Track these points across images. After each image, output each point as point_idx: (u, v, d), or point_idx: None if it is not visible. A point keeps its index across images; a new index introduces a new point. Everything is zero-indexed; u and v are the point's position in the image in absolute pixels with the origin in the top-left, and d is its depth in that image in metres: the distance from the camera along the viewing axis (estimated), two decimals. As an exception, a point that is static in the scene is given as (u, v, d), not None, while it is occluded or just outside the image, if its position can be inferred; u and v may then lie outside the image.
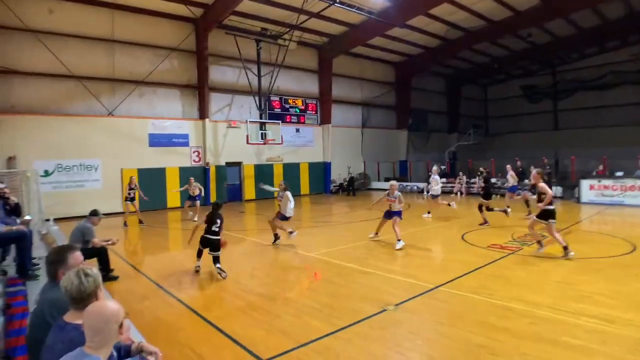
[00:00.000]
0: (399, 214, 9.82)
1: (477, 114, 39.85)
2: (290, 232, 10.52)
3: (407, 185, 25.89)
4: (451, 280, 6.81)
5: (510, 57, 30.91)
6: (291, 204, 10.30)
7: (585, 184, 17.95)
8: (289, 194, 10.43)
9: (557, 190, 19.52)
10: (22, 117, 16.16)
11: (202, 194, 16.07)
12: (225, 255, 9.86)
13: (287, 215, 10.32)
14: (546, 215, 8.42)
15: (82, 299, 2.39)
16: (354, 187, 25.42)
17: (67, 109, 17.39)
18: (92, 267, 2.52)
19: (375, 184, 28.20)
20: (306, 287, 6.85)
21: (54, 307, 2.73)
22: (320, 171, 25.64)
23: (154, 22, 19.40)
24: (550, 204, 8.42)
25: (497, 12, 22.59)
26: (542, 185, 8.45)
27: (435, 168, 15.88)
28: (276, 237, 10.60)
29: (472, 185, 22.19)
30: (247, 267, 8.69)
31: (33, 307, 4.75)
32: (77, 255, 2.95)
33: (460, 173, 22.92)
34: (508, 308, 5.50)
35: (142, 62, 19.13)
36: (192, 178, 16.21)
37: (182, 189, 16.40)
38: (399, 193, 9.95)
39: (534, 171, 8.96)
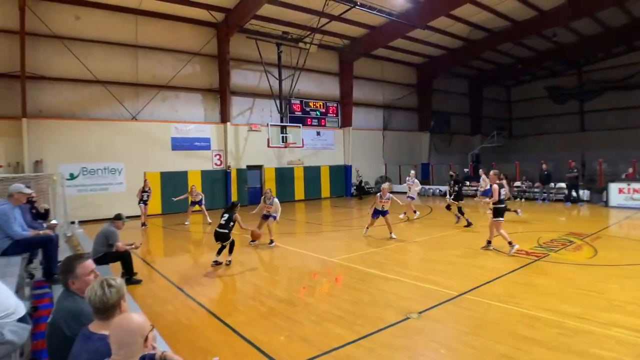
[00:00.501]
0: (388, 212, 11.49)
1: (501, 116, 39.16)
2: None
3: (429, 189, 25.56)
4: (476, 288, 6.64)
5: (535, 58, 30.22)
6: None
7: (613, 187, 17.37)
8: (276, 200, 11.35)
9: (585, 193, 19.01)
10: (49, 121, 16.56)
11: (203, 200, 16.44)
12: (246, 258, 9.92)
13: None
14: (496, 213, 9.07)
15: (105, 309, 2.42)
16: (363, 192, 25.17)
17: (92, 114, 17.74)
18: (117, 277, 2.52)
19: (397, 187, 27.79)
20: (327, 292, 6.76)
21: (69, 316, 2.76)
22: (341, 174, 25.56)
23: (177, 27, 19.67)
24: (500, 202, 9.00)
25: (521, 12, 22.15)
26: (494, 187, 8.98)
27: (413, 172, 17.22)
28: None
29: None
30: (268, 270, 8.70)
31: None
32: (86, 264, 2.96)
33: (484, 176, 22.46)
34: (535, 317, 5.32)
35: (165, 67, 19.41)
36: (193, 186, 16.65)
37: (182, 197, 16.44)
38: (391, 195, 11.63)
39: (491, 172, 9.66)
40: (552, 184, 20.04)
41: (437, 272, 7.73)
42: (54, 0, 16.57)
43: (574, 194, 18.64)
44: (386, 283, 7.24)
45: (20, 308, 3.05)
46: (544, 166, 19.83)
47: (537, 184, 20.67)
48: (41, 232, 6.15)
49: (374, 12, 18.70)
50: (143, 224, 15.38)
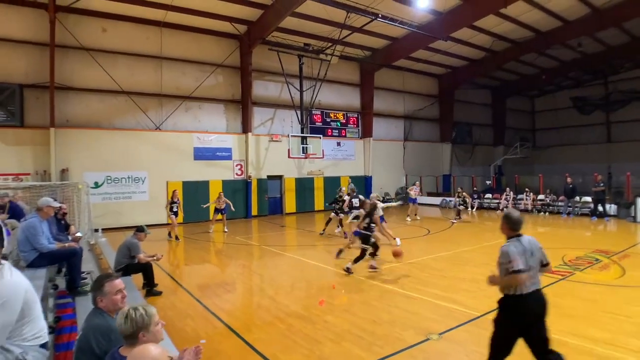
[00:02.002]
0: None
1: (524, 127, 38.55)
2: None
3: (450, 201, 25.21)
4: (497, 308, 6.48)
5: (559, 68, 29.73)
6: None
7: (642, 201, 16.87)
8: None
9: (612, 208, 18.47)
10: (75, 130, 16.99)
11: (231, 207, 16.66)
12: (265, 270, 9.94)
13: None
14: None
15: (130, 336, 2.49)
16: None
17: (117, 123, 18.14)
18: (147, 306, 2.56)
19: (418, 199, 27.57)
20: (346, 309, 6.68)
21: (98, 333, 2.84)
22: (361, 185, 25.43)
23: (200, 39, 20.03)
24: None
25: (546, 23, 21.89)
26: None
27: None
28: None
29: (520, 202, 21.37)
30: (286, 284, 8.68)
31: (79, 329, 4.90)
32: (115, 283, 3.03)
33: (507, 189, 22.11)
34: (561, 342, 5.14)
35: (188, 78, 19.75)
36: (221, 193, 16.78)
37: (211, 204, 16.84)
38: (382, 204, 12.26)
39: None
40: (577, 198, 19.51)
41: (458, 291, 7.57)
42: (82, 13, 17.04)
43: (600, 208, 18.14)
44: (406, 301, 7.14)
45: (45, 332, 3.10)
46: (568, 179, 19.32)
47: (561, 198, 20.17)
48: (66, 244, 6.28)
49: (396, 24, 18.69)
50: (175, 237, 14.57)
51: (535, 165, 34.95)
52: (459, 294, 7.38)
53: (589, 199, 19.21)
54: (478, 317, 6.09)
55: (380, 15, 17.97)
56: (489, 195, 24.03)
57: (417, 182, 21.26)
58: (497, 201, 22.21)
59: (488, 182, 25.81)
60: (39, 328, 2.97)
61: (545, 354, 3.92)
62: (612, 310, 6.36)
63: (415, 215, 19.15)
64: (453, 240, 13.31)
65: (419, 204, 20.60)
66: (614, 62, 29.18)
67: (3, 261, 2.80)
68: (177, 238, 14.60)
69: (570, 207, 19.34)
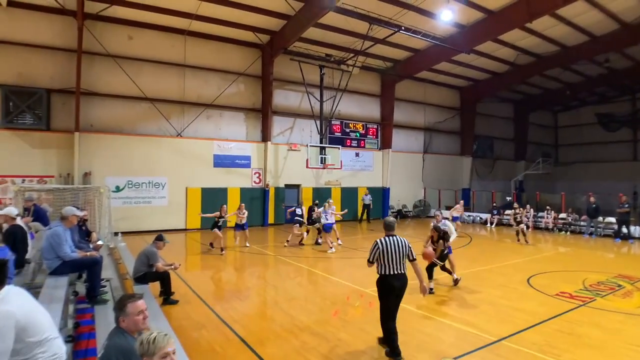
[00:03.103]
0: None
1: (547, 142, 37.99)
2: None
3: (469, 216, 24.93)
4: (515, 334, 6.34)
5: (585, 83, 29.23)
6: None
7: (670, 224, 16.38)
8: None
9: (637, 230, 17.97)
10: (99, 135, 17.35)
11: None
12: (280, 282, 9.95)
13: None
14: None
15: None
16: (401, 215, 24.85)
17: (140, 129, 18.47)
18: (162, 334, 2.59)
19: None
20: (360, 327, 6.62)
21: (120, 353, 2.88)
22: (379, 196, 25.34)
23: (223, 48, 20.32)
24: None
25: (572, 38, 21.54)
26: None
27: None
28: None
29: (540, 220, 21.00)
30: (301, 297, 8.67)
31: (97, 337, 4.99)
32: (137, 304, 3.06)
33: (528, 206, 21.74)
34: (579, 373, 5.04)
35: (210, 86, 20.03)
36: (242, 205, 15.34)
37: (211, 215, 14.59)
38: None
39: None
40: (600, 218, 19.03)
41: (474, 314, 7.42)
42: (109, 21, 17.46)
43: (624, 230, 17.63)
44: (420, 322, 7.06)
45: (63, 352, 3.17)
46: (591, 199, 18.87)
47: (583, 217, 19.69)
48: (88, 253, 6.40)
49: (418, 36, 18.67)
50: (221, 249, 13.79)
51: (558, 182, 34.30)
52: (474, 316, 7.26)
53: (612, 219, 18.72)
54: (493, 343, 5.98)
55: (403, 28, 17.97)
56: (509, 212, 23.64)
57: (462, 201, 20.89)
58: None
59: (508, 198, 25.38)
60: (54, 350, 3.03)
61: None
62: (634, 342, 6.14)
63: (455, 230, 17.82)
64: (470, 257, 13.10)
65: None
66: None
67: (6, 287, 2.95)
68: (222, 250, 13.73)
69: (592, 227, 18.88)
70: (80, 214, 6.53)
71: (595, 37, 21.36)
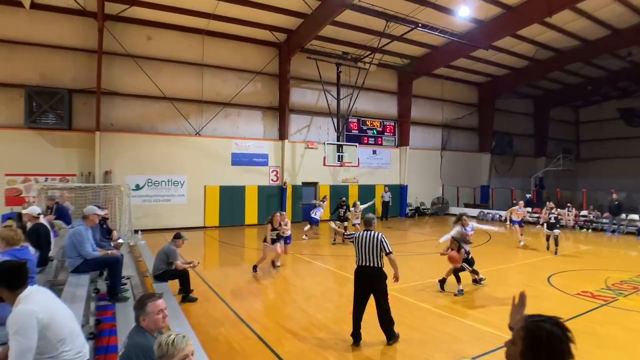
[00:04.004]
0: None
1: (567, 138, 37.16)
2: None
3: (488, 213, 24.63)
4: (536, 333, 6.26)
5: (607, 78, 28.55)
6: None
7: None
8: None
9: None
10: (119, 134, 17.63)
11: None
12: (297, 280, 10.00)
13: None
14: None
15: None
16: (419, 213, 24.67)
17: (159, 128, 18.71)
18: (181, 336, 2.61)
19: (454, 210, 27.10)
20: (377, 327, 6.61)
21: (140, 350, 2.96)
22: (396, 194, 25.21)
23: (241, 47, 20.42)
24: None
25: (593, 31, 21.07)
26: None
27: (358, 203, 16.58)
28: None
29: (561, 217, 20.62)
30: (318, 295, 8.70)
31: (118, 335, 5.09)
32: (157, 303, 3.12)
33: (548, 203, 21.35)
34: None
35: (228, 85, 20.16)
36: (283, 213, 12.49)
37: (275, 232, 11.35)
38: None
39: None
40: (623, 215, 18.64)
41: (494, 312, 7.36)
42: (129, 22, 17.68)
43: (648, 227, 17.30)
44: (439, 320, 7.02)
45: (86, 350, 3.25)
46: (614, 195, 18.48)
47: (606, 214, 19.32)
48: (109, 252, 6.53)
49: (436, 33, 18.48)
50: (273, 265, 11.30)
51: (579, 178, 33.61)
52: (493, 315, 7.18)
53: (636, 216, 18.36)
54: (514, 342, 5.90)
55: (420, 24, 17.81)
56: (528, 209, 23.29)
57: (521, 202, 16.46)
58: (537, 215, 21.43)
59: (528, 195, 25.00)
60: (78, 348, 3.11)
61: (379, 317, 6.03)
62: (658, 342, 6.04)
63: (520, 242, 14.89)
64: (491, 256, 12.89)
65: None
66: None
67: (29, 288, 3.04)
68: (274, 266, 11.26)
69: (615, 224, 18.51)
70: (102, 212, 6.66)
71: (617, 31, 20.85)
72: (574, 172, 33.62)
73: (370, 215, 6.52)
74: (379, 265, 5.96)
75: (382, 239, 5.99)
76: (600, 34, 21.29)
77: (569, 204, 20.93)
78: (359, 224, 15.14)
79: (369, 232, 6.11)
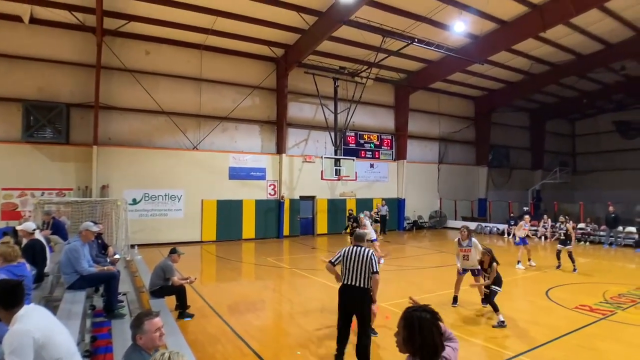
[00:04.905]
0: None
1: (564, 151, 37.45)
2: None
3: (485, 226, 24.64)
4: (533, 349, 6.23)
5: (602, 91, 28.87)
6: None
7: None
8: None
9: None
10: (117, 149, 17.64)
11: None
12: (295, 296, 9.92)
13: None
14: None
15: None
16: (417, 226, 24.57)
17: (157, 142, 18.72)
18: (176, 354, 2.55)
19: (451, 223, 27.13)
20: (377, 344, 6.57)
21: None
22: (394, 207, 25.20)
23: (239, 62, 20.56)
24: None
25: (587, 46, 21.37)
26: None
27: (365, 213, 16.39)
28: None
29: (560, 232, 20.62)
30: (316, 311, 8.61)
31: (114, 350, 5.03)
32: (154, 322, 3.09)
33: (545, 216, 21.43)
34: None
35: (226, 99, 20.26)
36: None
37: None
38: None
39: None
40: (620, 228, 18.67)
41: (492, 328, 7.31)
42: (127, 37, 17.82)
43: (645, 239, 17.35)
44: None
45: None
46: (610, 208, 18.55)
47: (603, 227, 19.36)
48: (105, 267, 6.49)
49: (432, 47, 18.66)
50: None
51: (576, 191, 33.74)
52: (492, 331, 7.15)
53: (633, 229, 18.38)
54: (511, 359, 5.88)
55: (416, 40, 18.00)
56: (527, 226, 23.25)
57: (527, 217, 14.99)
58: (535, 228, 21.44)
59: (525, 208, 25.00)
60: None
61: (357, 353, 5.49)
62: (657, 357, 6.01)
63: (529, 260, 13.84)
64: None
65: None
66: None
67: (25, 307, 3.02)
68: None
69: (612, 237, 18.54)
70: (95, 229, 6.62)
71: (611, 45, 21.18)
72: (571, 184, 33.82)
73: (361, 231, 6.15)
74: (367, 286, 5.47)
75: (373, 257, 5.53)
76: (594, 48, 21.60)
77: (562, 216, 20.90)
78: (375, 241, 14.10)
79: (359, 248, 5.62)
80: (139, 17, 16.68)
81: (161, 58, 18.82)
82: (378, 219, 21.71)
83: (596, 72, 25.03)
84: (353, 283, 5.51)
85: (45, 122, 16.25)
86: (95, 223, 6.98)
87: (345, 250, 5.68)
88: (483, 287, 8.10)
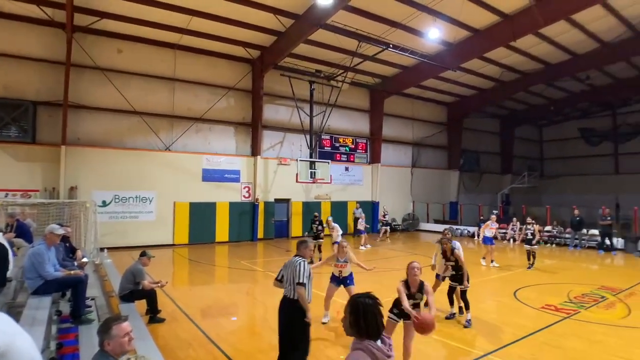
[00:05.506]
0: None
1: (532, 156, 38.59)
2: None
3: (457, 229, 25.05)
4: (501, 348, 6.38)
5: (568, 99, 29.93)
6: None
7: (649, 236, 16.75)
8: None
9: (619, 242, 18.34)
10: (86, 149, 17.15)
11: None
12: (268, 299, 9.83)
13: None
14: None
15: None
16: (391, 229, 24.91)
17: (128, 143, 18.31)
18: (143, 356, 2.53)
19: (424, 225, 27.55)
20: (345, 345, 6.57)
21: None
22: (369, 211, 25.36)
23: (214, 63, 20.35)
24: None
25: (555, 56, 22.15)
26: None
27: (331, 218, 16.30)
28: None
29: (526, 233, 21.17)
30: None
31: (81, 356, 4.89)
32: (123, 326, 3.01)
33: (514, 219, 21.92)
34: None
35: (200, 100, 20.00)
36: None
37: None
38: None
39: None
40: (584, 230, 19.37)
41: (462, 328, 7.49)
42: (99, 34, 17.39)
43: (607, 242, 18.08)
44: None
45: None
46: (575, 211, 19.22)
47: (568, 230, 20.04)
48: (72, 272, 6.30)
49: (406, 54, 18.90)
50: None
51: (543, 195, 34.83)
52: (461, 330, 7.33)
53: (596, 231, 19.06)
54: (480, 357, 6.00)
55: (391, 45, 18.18)
56: (496, 225, 23.78)
57: (493, 216, 16.08)
58: (504, 231, 21.95)
59: (495, 212, 25.57)
60: None
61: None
62: (616, 353, 6.30)
63: (492, 261, 14.36)
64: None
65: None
66: (622, 95, 29.37)
67: None
68: None
69: (577, 239, 19.19)
70: (61, 231, 6.40)
71: (577, 55, 21.99)
72: (539, 188, 34.93)
73: (303, 238, 5.78)
74: (295, 298, 5.12)
75: (299, 266, 5.15)
76: (561, 58, 22.37)
77: (529, 219, 21.48)
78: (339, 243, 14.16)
79: (294, 258, 5.33)
80: (111, 15, 16.28)
81: (134, 57, 18.43)
82: (387, 221, 23.31)
83: (563, 81, 25.95)
84: (286, 294, 5.27)
85: (10, 121, 15.69)
86: (62, 225, 6.75)
87: (286, 263, 5.45)
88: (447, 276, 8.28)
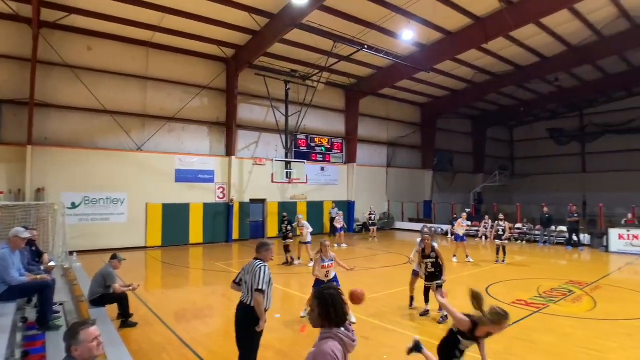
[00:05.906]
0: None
1: (503, 155, 39.52)
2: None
3: (431, 227, 25.31)
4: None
5: (537, 100, 30.77)
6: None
7: (613, 233, 17.42)
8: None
9: (586, 238, 18.97)
10: (54, 149, 16.58)
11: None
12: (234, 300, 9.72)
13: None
14: None
15: None
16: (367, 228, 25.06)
17: (98, 143, 17.82)
18: None
19: (399, 224, 27.82)
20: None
21: None
22: (345, 210, 25.40)
23: (187, 61, 20.02)
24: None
25: (524, 58, 22.72)
26: None
27: (301, 216, 16.48)
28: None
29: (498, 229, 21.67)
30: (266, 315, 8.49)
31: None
32: (90, 331, 2.89)
33: (487, 217, 22.35)
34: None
35: (173, 99, 19.65)
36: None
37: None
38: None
39: None
40: (553, 227, 19.98)
41: (436, 324, 7.65)
42: (68, 30, 16.85)
43: (574, 238, 18.72)
44: (385, 334, 7.12)
45: None
46: (545, 209, 19.78)
47: (537, 227, 20.62)
48: (38, 276, 6.07)
49: (381, 55, 19.03)
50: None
51: (514, 193, 35.70)
52: (436, 327, 7.44)
53: (564, 228, 19.68)
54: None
55: (366, 46, 18.27)
56: (468, 223, 24.19)
57: (464, 214, 16.72)
58: (476, 229, 22.31)
59: (467, 210, 26.04)
60: None
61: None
62: (584, 345, 6.51)
63: (467, 257, 14.83)
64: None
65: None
66: (588, 97, 30.41)
67: None
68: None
69: (546, 236, 19.76)
70: (26, 235, 6.14)
71: (546, 58, 22.61)
72: (510, 187, 35.86)
73: (263, 241, 5.45)
74: (251, 304, 4.84)
75: (259, 271, 4.84)
76: (531, 60, 22.97)
77: (500, 216, 21.97)
78: (309, 243, 14.23)
79: (253, 261, 5.02)
80: (80, 10, 15.78)
81: (105, 54, 17.93)
82: (374, 220, 23.08)
83: (533, 83, 26.64)
84: (242, 299, 4.95)
85: (-28, 119, 15.07)
86: (27, 229, 6.48)
87: (245, 265, 5.14)
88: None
